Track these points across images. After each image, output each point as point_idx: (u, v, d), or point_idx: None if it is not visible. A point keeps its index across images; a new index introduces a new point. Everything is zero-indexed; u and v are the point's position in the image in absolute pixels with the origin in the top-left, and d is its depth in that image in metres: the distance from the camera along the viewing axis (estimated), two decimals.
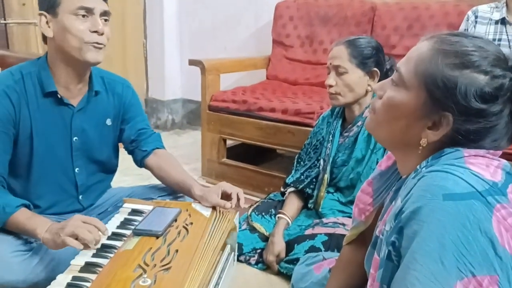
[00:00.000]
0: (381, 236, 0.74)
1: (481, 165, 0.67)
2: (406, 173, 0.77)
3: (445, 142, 0.71)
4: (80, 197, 1.34)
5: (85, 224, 1.00)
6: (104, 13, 1.17)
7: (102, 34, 1.15)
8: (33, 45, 2.96)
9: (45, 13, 1.15)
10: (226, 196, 1.25)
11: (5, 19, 2.77)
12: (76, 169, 1.30)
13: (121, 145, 1.46)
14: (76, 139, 1.27)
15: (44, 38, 1.20)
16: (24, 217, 1.08)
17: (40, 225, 1.05)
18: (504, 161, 0.71)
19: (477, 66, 0.67)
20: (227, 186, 1.27)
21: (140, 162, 1.41)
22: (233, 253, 1.28)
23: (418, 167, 0.72)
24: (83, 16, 1.13)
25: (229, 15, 3.27)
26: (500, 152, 0.72)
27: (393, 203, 0.75)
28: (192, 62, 2.51)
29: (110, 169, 1.43)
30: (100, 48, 1.17)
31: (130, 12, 3.44)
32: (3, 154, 1.16)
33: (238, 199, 1.23)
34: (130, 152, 1.43)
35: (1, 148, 1.16)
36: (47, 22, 1.16)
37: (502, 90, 0.67)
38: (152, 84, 3.67)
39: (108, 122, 1.35)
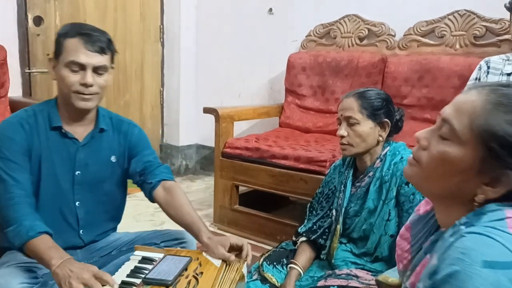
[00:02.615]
0: None
1: None
2: (447, 225, 0.74)
3: (500, 197, 0.68)
4: (81, 231, 1.37)
5: (95, 282, 1.00)
6: (98, 68, 1.26)
7: (90, 86, 1.25)
8: (54, 93, 3.09)
9: (53, 58, 1.29)
10: (234, 249, 1.24)
11: (29, 68, 2.90)
12: (77, 203, 1.35)
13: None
14: (78, 173, 1.34)
15: None
16: (44, 245, 1.12)
17: (56, 257, 1.07)
18: None
19: None
20: (235, 238, 1.26)
21: (149, 196, 1.40)
22: None
23: (457, 222, 0.68)
24: (75, 70, 1.24)
25: (243, 65, 3.39)
26: None
27: (428, 256, 0.72)
28: (206, 110, 2.58)
29: (114, 207, 1.46)
30: (89, 98, 1.27)
31: (149, 62, 3.58)
32: (27, 173, 1.25)
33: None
34: (140, 186, 1.44)
35: (24, 168, 1.24)
36: (53, 67, 1.29)
37: None
38: (167, 130, 3.76)
39: (113, 159, 1.40)
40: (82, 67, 1.24)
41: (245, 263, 1.22)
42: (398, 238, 0.89)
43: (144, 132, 1.50)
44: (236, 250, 1.24)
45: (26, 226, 1.14)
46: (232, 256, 1.19)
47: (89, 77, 1.24)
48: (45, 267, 1.12)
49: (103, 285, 1.00)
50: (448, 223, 0.72)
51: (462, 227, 0.66)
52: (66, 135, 1.32)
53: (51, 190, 1.30)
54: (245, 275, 1.24)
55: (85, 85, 1.24)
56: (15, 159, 1.23)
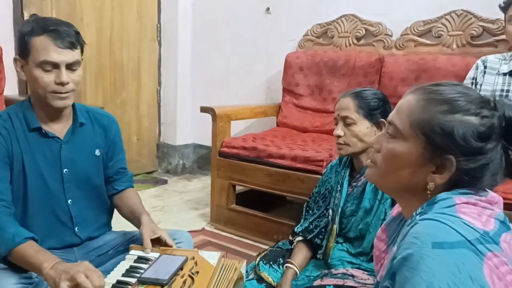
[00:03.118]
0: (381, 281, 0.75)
1: (472, 214, 0.69)
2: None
3: (451, 183, 0.74)
4: (76, 228, 1.36)
5: (92, 272, 1.00)
6: (71, 64, 1.23)
7: (66, 84, 1.22)
8: None
9: (19, 58, 1.24)
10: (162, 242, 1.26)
11: None
12: (69, 201, 1.33)
13: None
14: (66, 171, 1.32)
15: None
16: (32, 250, 1.09)
17: (48, 260, 1.05)
18: (497, 210, 0.73)
19: (467, 109, 0.72)
20: (165, 233, 1.28)
21: (109, 197, 1.47)
22: None
23: (414, 213, 0.74)
24: (48, 70, 1.20)
25: (241, 64, 3.38)
26: (492, 200, 0.74)
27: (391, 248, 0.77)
28: (203, 109, 2.57)
29: (105, 200, 1.46)
30: (66, 96, 1.24)
31: (146, 61, 3.57)
32: (6, 182, 1.21)
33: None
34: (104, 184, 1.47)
35: (3, 176, 1.20)
36: (21, 67, 1.25)
37: (493, 128, 0.71)
38: (164, 129, 3.75)
39: (97, 152, 1.40)
40: (55, 65, 1.20)
41: (244, 262, 1.21)
42: (375, 240, 0.93)
43: (120, 130, 1.50)
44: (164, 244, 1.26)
45: (11, 233, 1.11)
46: (148, 245, 1.21)
47: (64, 75, 1.20)
48: (34, 271, 1.09)
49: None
50: (411, 215, 0.77)
51: (417, 216, 0.72)
52: (47, 135, 1.29)
53: (40, 192, 1.28)
54: (244, 275, 1.24)
55: (62, 84, 1.21)
56: None
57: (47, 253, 1.10)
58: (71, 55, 1.22)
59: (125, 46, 3.41)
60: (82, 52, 1.28)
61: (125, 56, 3.42)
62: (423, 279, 0.62)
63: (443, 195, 0.73)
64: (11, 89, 2.81)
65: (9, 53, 2.74)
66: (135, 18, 3.44)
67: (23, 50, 1.21)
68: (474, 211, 0.69)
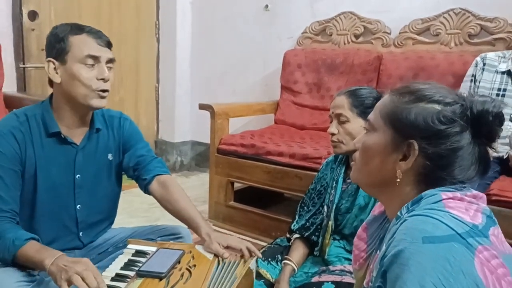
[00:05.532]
0: (370, 283, 0.75)
1: (460, 209, 0.69)
2: (392, 217, 0.79)
3: (419, 173, 0.75)
4: (81, 234, 1.36)
5: (88, 273, 0.99)
6: (110, 61, 1.26)
7: (107, 81, 1.23)
8: (48, 88, 3.07)
9: (53, 59, 1.23)
10: (233, 250, 1.22)
11: (24, 63, 2.88)
12: (78, 206, 1.33)
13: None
14: (79, 177, 1.31)
15: (50, 82, 1.27)
16: (33, 249, 1.11)
17: (49, 256, 1.06)
18: (483, 205, 0.73)
19: (430, 97, 0.75)
20: (235, 241, 1.23)
21: (145, 191, 1.41)
22: None
23: (399, 213, 0.74)
24: (91, 65, 1.21)
25: (239, 61, 3.38)
26: (477, 195, 0.74)
27: (378, 252, 0.76)
28: (202, 107, 2.58)
29: (111, 205, 1.45)
30: (105, 96, 1.25)
31: (144, 58, 3.57)
32: (14, 190, 1.21)
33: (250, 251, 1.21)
34: (135, 181, 1.44)
35: (11, 184, 1.20)
36: (55, 68, 1.23)
37: (456, 114, 0.73)
38: (162, 126, 3.75)
39: (110, 157, 1.39)
40: (97, 60, 1.22)
41: (254, 258, 1.20)
42: (355, 238, 0.93)
43: (134, 123, 1.48)
44: (237, 251, 1.22)
45: (11, 238, 1.12)
46: (226, 253, 1.17)
47: (106, 71, 1.23)
48: (40, 269, 1.11)
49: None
50: (392, 214, 0.78)
51: (405, 214, 0.72)
52: (65, 140, 1.28)
53: (49, 198, 1.27)
54: (253, 270, 1.22)
55: (103, 79, 1.22)
56: (3, 175, 1.18)
57: (47, 250, 1.10)
58: (110, 53, 1.26)
59: (123, 43, 3.40)
60: None
61: (123, 53, 3.42)
62: (414, 275, 0.62)
63: (428, 192, 0.73)
64: (10, 86, 2.80)
65: (7, 50, 2.74)
66: (134, 15, 3.44)
67: (61, 50, 1.21)
68: (461, 206, 0.69)
